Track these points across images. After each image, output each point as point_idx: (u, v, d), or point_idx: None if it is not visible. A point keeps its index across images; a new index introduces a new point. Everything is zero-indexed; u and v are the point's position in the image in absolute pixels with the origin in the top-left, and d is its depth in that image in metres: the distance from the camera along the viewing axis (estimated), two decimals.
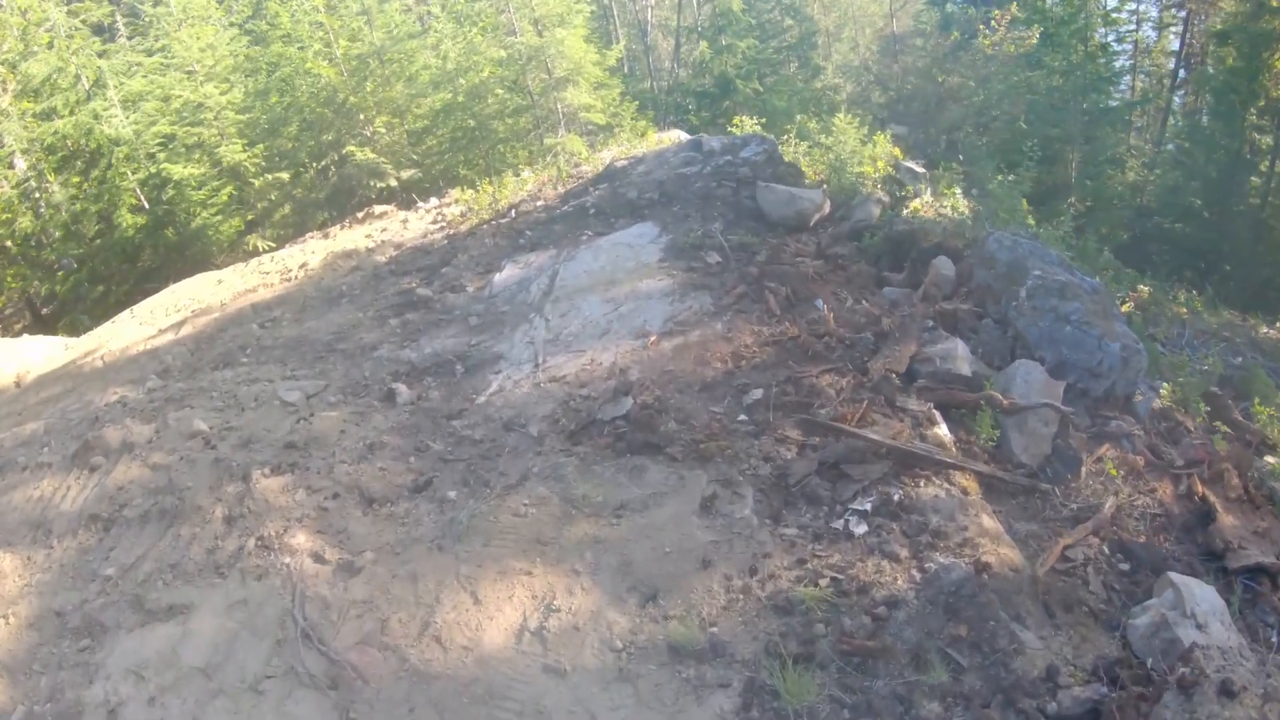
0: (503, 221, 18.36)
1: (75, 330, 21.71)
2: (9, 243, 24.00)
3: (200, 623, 8.91)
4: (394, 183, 22.85)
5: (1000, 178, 23.52)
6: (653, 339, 12.28)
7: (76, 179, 24.21)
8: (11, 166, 23.39)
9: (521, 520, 9.55)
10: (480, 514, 9.73)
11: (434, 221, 20.19)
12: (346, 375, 13.80)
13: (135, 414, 12.67)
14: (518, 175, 21.40)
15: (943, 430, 10.22)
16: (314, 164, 23.29)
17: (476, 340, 14.05)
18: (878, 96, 39.62)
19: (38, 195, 23.63)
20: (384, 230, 20.47)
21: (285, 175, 22.74)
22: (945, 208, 19.69)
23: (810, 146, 21.45)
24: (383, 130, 22.89)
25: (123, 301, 21.97)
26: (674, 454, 9.95)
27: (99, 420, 12.80)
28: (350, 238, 20.64)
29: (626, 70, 37.52)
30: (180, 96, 22.70)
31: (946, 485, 9.41)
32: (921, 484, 9.32)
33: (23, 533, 10.58)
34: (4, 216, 23.59)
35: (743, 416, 10.53)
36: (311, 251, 20.17)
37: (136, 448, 11.56)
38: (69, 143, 23.82)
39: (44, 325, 24.89)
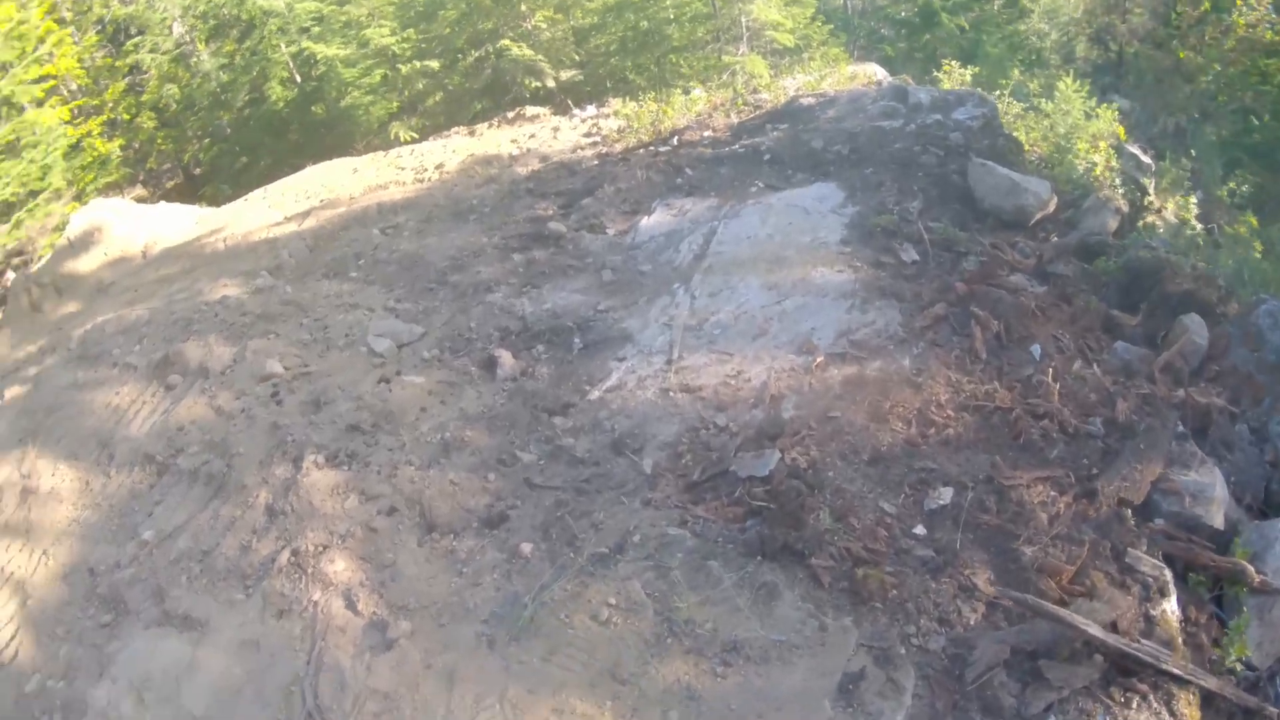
0: (661, 150, 15.39)
1: (216, 199, 21.13)
2: (159, 107, 23.58)
3: (209, 655, 7.34)
4: (551, 83, 19.95)
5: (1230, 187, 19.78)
6: (819, 359, 9.35)
7: (230, 48, 23.23)
8: (169, 32, 22.42)
9: (601, 631, 6.91)
10: (551, 604, 7.16)
11: (587, 134, 17.35)
12: (450, 322, 11.50)
13: (225, 328, 11.27)
14: (687, 94, 18.28)
15: (1172, 608, 6.99)
16: (470, 54, 20.47)
17: (606, 304, 11.34)
18: (1084, 50, 34.94)
19: (192, 62, 22.82)
20: (532, 136, 17.77)
21: (435, 64, 19.99)
22: (1176, 216, 16.32)
23: (1025, 109, 17.90)
24: (544, 25, 19.88)
25: (264, 175, 20.93)
26: (819, 574, 7.06)
27: (192, 325, 11.54)
28: (495, 139, 18.19)
29: None
30: None
31: (1163, 709, 6.30)
32: (1134, 704, 6.24)
33: (90, 448, 9.80)
34: (154, 82, 23.09)
35: (920, 529, 7.50)
36: (452, 150, 17.88)
37: (210, 376, 10.29)
38: (223, 11, 22.46)
39: (195, 186, 24.90)
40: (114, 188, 25.18)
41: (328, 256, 13.84)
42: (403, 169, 17.45)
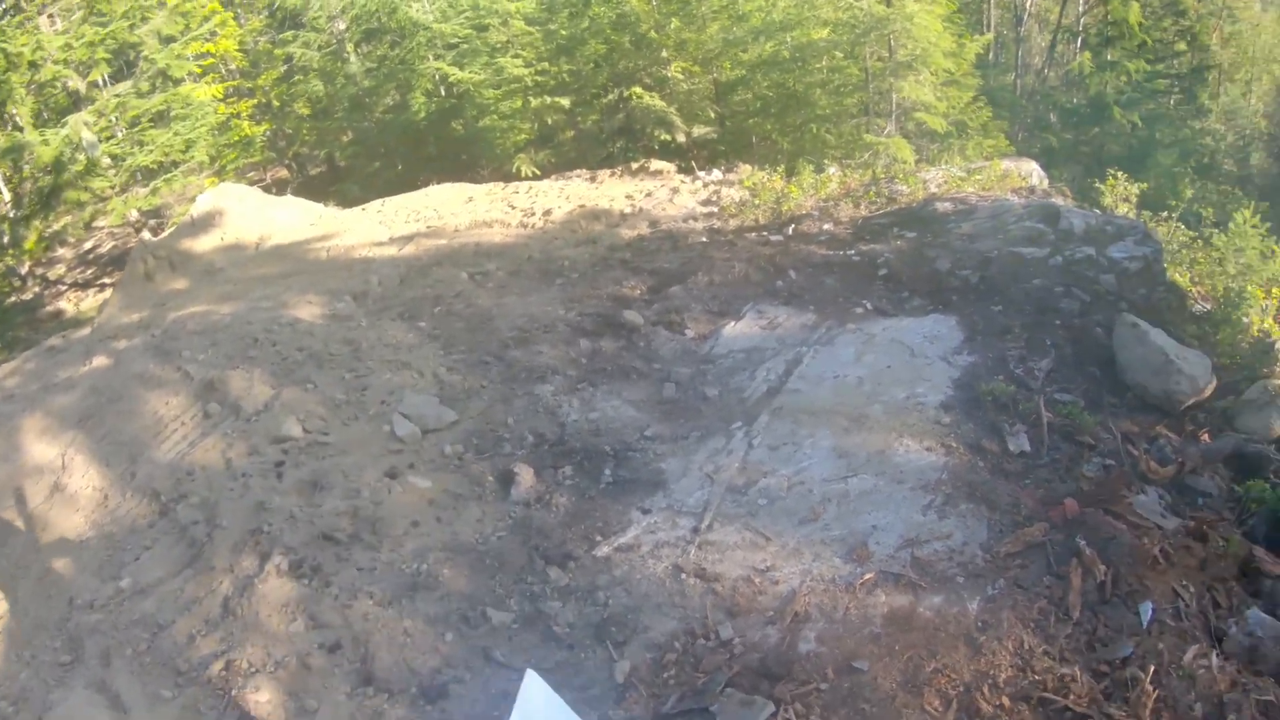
0: (773, 240, 13.01)
1: (345, 198, 20.57)
2: (298, 103, 23.25)
3: None
4: (682, 138, 17.68)
5: None
6: (868, 576, 6.91)
7: (382, 52, 22.23)
8: (318, 30, 21.69)
9: None
10: None
11: (705, 201, 15.11)
12: (488, 412, 9.70)
13: (277, 362, 10.19)
14: (820, 171, 15.82)
15: None
16: (608, 95, 18.40)
17: (654, 429, 9.16)
18: (1259, 160, 30.76)
19: (339, 64, 21.97)
20: (649, 195, 15.66)
21: (565, 101, 17.96)
22: None
23: (1194, 238, 14.93)
24: (680, 76, 17.57)
25: (394, 182, 20.38)
26: None
27: (257, 343, 10.48)
28: (612, 190, 16.26)
29: (991, 58, 30.15)
30: None
31: None
32: None
33: (121, 458, 8.99)
34: (298, 79, 22.56)
35: None
36: (566, 197, 16.05)
37: (240, 416, 9.24)
38: (376, 18, 21.41)
39: (339, 176, 24.13)
40: (258, 167, 24.48)
41: (411, 293, 12.60)
42: (512, 208, 15.86)
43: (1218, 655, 6.58)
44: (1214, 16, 31.71)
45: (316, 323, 11.29)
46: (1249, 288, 12.89)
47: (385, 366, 10.34)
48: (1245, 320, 11.24)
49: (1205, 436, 9.17)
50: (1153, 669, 6.21)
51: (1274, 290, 13.72)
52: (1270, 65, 33.70)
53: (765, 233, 13.35)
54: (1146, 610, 6.78)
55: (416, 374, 10.29)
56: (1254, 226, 14.23)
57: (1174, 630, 6.74)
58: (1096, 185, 16.20)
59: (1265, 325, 12.05)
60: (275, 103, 22.94)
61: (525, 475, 8.55)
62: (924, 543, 7.17)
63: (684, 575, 7.21)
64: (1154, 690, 6.09)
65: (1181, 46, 28.98)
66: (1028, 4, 33.03)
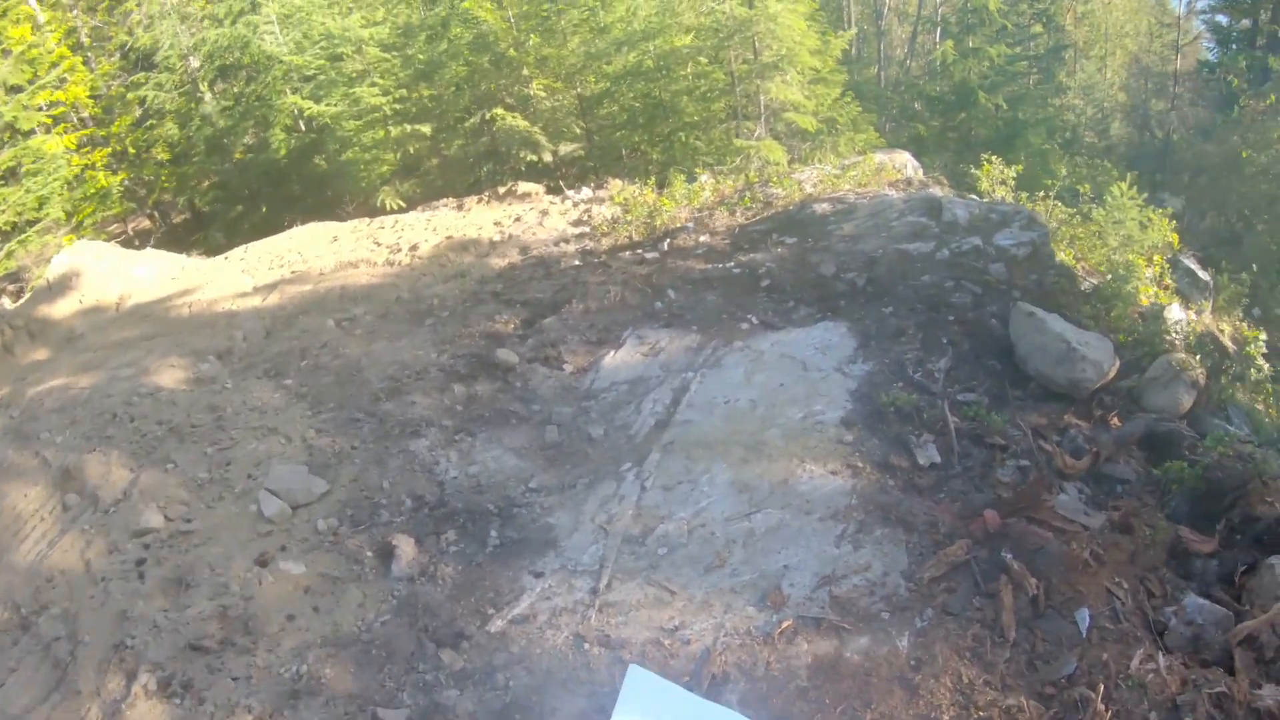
0: (648, 257, 12.39)
1: (209, 245, 19.44)
2: (156, 148, 21.48)
3: None
4: (549, 157, 16.91)
5: None
6: (786, 624, 6.28)
7: (238, 89, 20.92)
8: (170, 70, 20.07)
9: None
10: None
11: (576, 222, 14.41)
12: (361, 477, 8.87)
13: (136, 440, 9.33)
14: (691, 181, 15.26)
15: None
16: (470, 119, 17.53)
17: (539, 480, 8.44)
18: (1118, 130, 31.54)
19: (190, 106, 20.50)
20: (518, 220, 14.88)
21: (426, 129, 17.05)
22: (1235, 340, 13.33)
23: (1073, 214, 14.81)
24: (542, 93, 16.83)
25: (260, 225, 19.17)
26: None
27: (116, 419, 9.67)
28: (479, 219, 15.43)
29: (854, 53, 30.08)
30: (321, 24, 17.25)
31: None
32: None
33: None
34: (153, 123, 20.76)
35: None
36: (432, 229, 15.15)
37: (99, 507, 8.37)
38: (229, 54, 20.05)
39: (203, 223, 22.64)
40: (119, 219, 22.99)
41: (277, 347, 11.80)
42: (378, 245, 14.91)
43: (1163, 654, 6.19)
44: None
45: (179, 389, 10.53)
46: (1131, 257, 12.80)
47: (250, 434, 9.52)
48: (1133, 291, 11.06)
49: (1115, 420, 8.85)
50: (1101, 686, 5.73)
51: (1156, 258, 13.70)
52: (1123, 39, 34.71)
53: (640, 250, 12.72)
54: (1084, 618, 6.34)
55: (284, 440, 9.45)
56: (1131, 198, 14.18)
57: (1115, 634, 6.33)
58: (972, 171, 16.00)
59: (1153, 293, 11.95)
60: (132, 150, 21.28)
61: (406, 547, 7.74)
62: (841, 578, 6.58)
63: (587, 645, 6.50)
64: (1106, 709, 5.62)
65: (1038, 29, 29.54)
66: None
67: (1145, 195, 14.97)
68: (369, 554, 7.87)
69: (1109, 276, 11.49)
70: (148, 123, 21.16)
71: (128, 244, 21.95)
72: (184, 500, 8.52)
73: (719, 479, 7.73)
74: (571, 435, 8.96)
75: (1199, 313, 14.24)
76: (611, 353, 10.10)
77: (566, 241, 13.74)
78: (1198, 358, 9.45)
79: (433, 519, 8.18)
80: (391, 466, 8.93)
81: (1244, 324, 16.12)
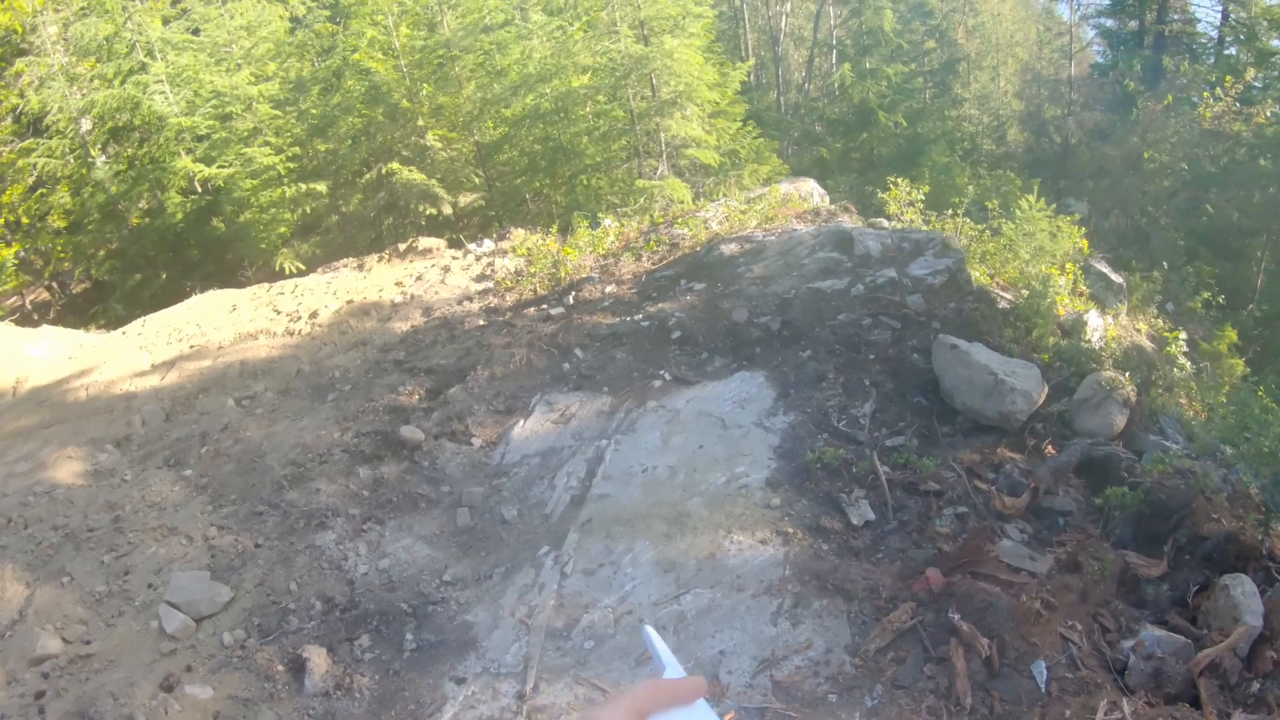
0: (554, 314, 11.89)
1: (110, 317, 19.02)
2: (51, 216, 20.53)
3: None
4: (449, 209, 16.35)
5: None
6: (727, 717, 5.77)
7: (131, 152, 19.97)
8: (61, 134, 19.17)
9: None
10: None
11: (479, 277, 13.88)
12: (266, 580, 8.16)
13: (31, 549, 8.66)
14: (595, 226, 14.85)
15: None
16: (367, 174, 16.93)
17: (453, 572, 7.83)
18: (1015, 135, 32.12)
19: (82, 171, 19.56)
20: (419, 278, 14.31)
21: (322, 187, 16.40)
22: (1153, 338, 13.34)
23: (983, 230, 14.72)
24: (439, 144, 16.29)
25: (160, 295, 18.51)
26: None
27: (10, 525, 9.03)
28: (380, 279, 14.84)
29: (753, 80, 30.08)
30: (209, 82, 16.55)
31: None
32: None
33: None
34: (44, 190, 19.92)
35: None
36: (333, 293, 14.53)
37: None
38: (119, 115, 19.03)
39: (104, 292, 21.86)
40: (16, 292, 21.82)
41: (176, 432, 11.19)
42: (278, 313, 14.26)
43: (1126, 698, 5.83)
44: (958, 13, 33.17)
45: (76, 485, 9.94)
46: (1044, 269, 12.70)
47: (150, 536, 8.84)
48: (1050, 305, 10.89)
49: (1049, 449, 8.55)
50: None
51: (1069, 266, 13.63)
52: (1014, 49, 35.37)
53: (545, 305, 12.22)
54: (1041, 671, 5.96)
55: (185, 540, 8.77)
56: (1040, 210, 14.15)
57: (1074, 683, 5.96)
58: (879, 194, 15.86)
59: (1067, 301, 11.83)
60: (25, 219, 20.30)
61: (318, 659, 7.09)
62: (782, 660, 6.09)
63: None
64: None
65: (931, 45, 30.03)
66: (783, 24, 33.48)
67: (1053, 204, 15.00)
68: (280, 668, 7.18)
69: (1026, 293, 11.33)
70: (39, 191, 20.20)
71: (26, 317, 20.93)
72: (82, 619, 7.77)
73: (642, 559, 7.21)
74: (484, 518, 8.37)
75: (1115, 316, 14.22)
76: (520, 422, 9.54)
77: (470, 299, 13.19)
78: (1126, 374, 9.22)
79: (344, 623, 7.53)
80: (298, 565, 8.25)
81: (1159, 320, 16.25)
